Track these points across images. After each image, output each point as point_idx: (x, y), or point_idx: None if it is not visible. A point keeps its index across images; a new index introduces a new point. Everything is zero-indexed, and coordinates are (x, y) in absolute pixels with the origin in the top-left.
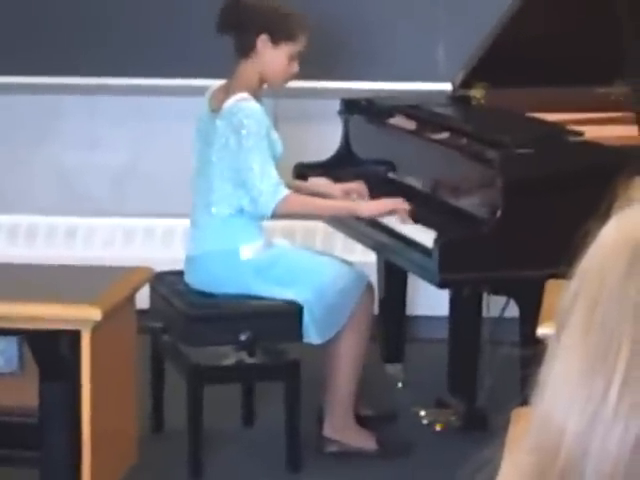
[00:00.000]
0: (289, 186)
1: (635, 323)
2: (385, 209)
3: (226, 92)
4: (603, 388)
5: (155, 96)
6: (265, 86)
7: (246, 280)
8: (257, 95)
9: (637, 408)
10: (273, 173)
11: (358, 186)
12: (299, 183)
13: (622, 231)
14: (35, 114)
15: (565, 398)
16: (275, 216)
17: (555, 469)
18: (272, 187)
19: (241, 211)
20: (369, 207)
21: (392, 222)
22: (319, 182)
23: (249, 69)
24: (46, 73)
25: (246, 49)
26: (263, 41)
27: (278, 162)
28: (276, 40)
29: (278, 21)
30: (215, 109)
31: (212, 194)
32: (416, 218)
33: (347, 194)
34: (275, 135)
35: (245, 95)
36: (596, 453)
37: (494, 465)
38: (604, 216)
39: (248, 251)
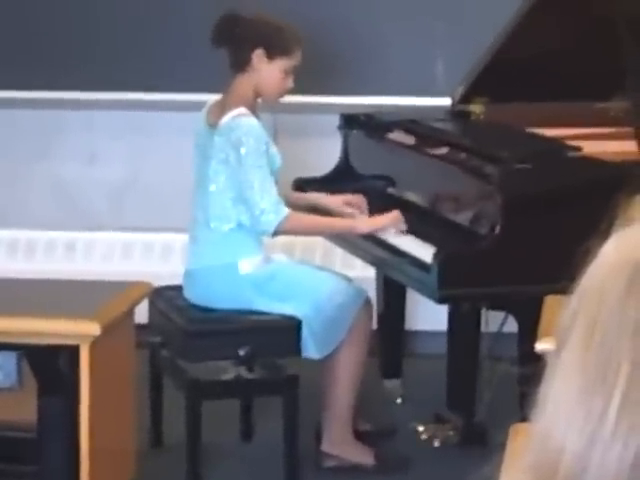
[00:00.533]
0: (287, 198)
1: (634, 342)
2: (383, 225)
3: (222, 107)
4: (602, 407)
5: (154, 111)
6: (259, 100)
7: (245, 295)
8: (254, 109)
9: (636, 428)
10: (274, 191)
11: (358, 199)
12: (297, 194)
13: (622, 250)
14: (34, 128)
15: (564, 417)
16: (276, 234)
17: None
18: (273, 206)
19: (240, 226)
20: (367, 224)
21: (389, 236)
22: (320, 196)
23: (244, 83)
24: (45, 88)
25: (241, 63)
26: (258, 56)
27: (277, 176)
28: (271, 55)
29: (273, 35)
30: (212, 124)
31: (211, 209)
32: (411, 230)
33: (347, 205)
34: (274, 149)
35: (242, 110)
36: (595, 472)
37: None
38: (604, 234)
39: (247, 266)
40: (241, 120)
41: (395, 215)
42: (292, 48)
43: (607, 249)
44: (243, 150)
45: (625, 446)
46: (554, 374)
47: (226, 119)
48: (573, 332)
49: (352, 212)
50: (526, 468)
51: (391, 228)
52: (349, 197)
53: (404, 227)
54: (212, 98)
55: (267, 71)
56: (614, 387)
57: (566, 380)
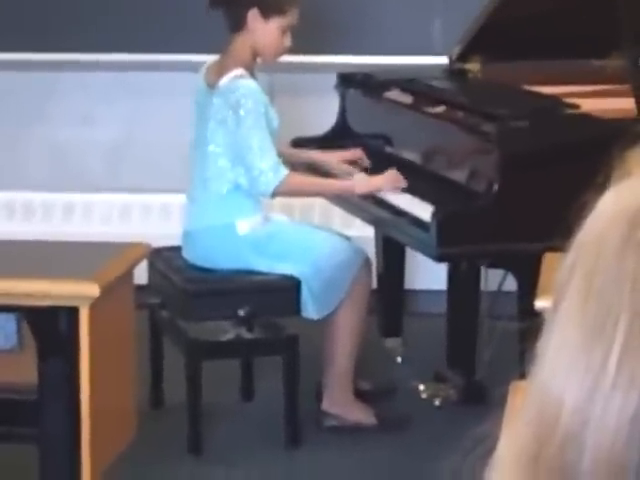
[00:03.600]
0: (284, 155)
1: (633, 293)
2: (381, 185)
3: (220, 67)
4: (601, 359)
5: (149, 72)
6: (258, 60)
7: (244, 255)
8: (252, 70)
9: (636, 379)
10: (272, 152)
11: (355, 153)
12: (294, 150)
13: (618, 202)
14: (29, 91)
15: (563, 370)
16: (275, 195)
17: (554, 441)
18: (272, 167)
19: (238, 187)
20: (366, 184)
21: (388, 195)
22: (315, 153)
23: (241, 44)
24: (39, 50)
25: (237, 24)
26: (253, 15)
27: (275, 136)
28: (266, 14)
29: None
30: (211, 84)
31: (208, 170)
32: (409, 189)
33: (345, 162)
34: (272, 110)
35: (241, 71)
36: (595, 425)
37: (493, 438)
38: (601, 188)
39: (245, 226)
40: (240, 82)
41: (393, 174)
42: (287, 7)
43: (604, 202)
44: (242, 112)
45: (625, 398)
46: (552, 328)
47: (224, 80)
48: (570, 285)
49: (350, 169)
50: (526, 423)
51: (389, 187)
52: (346, 154)
53: (403, 185)
54: (210, 58)
55: (263, 30)
56: (613, 339)
57: (564, 333)
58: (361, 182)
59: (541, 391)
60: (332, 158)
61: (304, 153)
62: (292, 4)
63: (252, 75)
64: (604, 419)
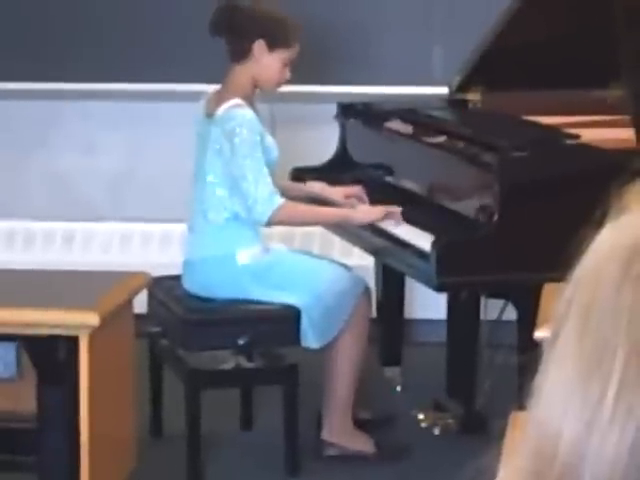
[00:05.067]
0: (284, 189)
1: (629, 329)
2: (379, 216)
3: (219, 97)
4: (599, 393)
5: (151, 101)
6: (257, 91)
7: (243, 285)
8: (251, 100)
9: (633, 412)
10: (267, 181)
11: (358, 190)
12: (296, 185)
13: (616, 237)
14: (31, 120)
15: (561, 403)
16: (270, 224)
17: (552, 473)
18: (267, 195)
19: (236, 216)
20: (363, 214)
21: (387, 225)
22: (317, 185)
23: (243, 74)
24: (42, 79)
25: (241, 54)
26: (260, 46)
27: (274, 167)
28: (273, 46)
29: (274, 27)
30: (209, 114)
31: (207, 200)
32: (410, 219)
33: (347, 198)
34: (270, 140)
35: (238, 101)
36: (593, 458)
37: (492, 471)
38: (599, 223)
39: (245, 256)
40: (236, 111)
41: (392, 209)
42: (292, 39)
43: (602, 236)
44: (237, 140)
45: (623, 431)
46: (550, 361)
47: (221, 110)
48: (568, 319)
49: (354, 202)
50: (525, 456)
51: (387, 219)
52: (349, 189)
53: (400, 219)
54: (211, 88)
55: (267, 62)
56: (610, 373)
57: (562, 367)
58: (359, 212)
59: (539, 424)
60: (336, 192)
61: (307, 187)
62: (297, 37)
63: (251, 105)
64: (602, 452)
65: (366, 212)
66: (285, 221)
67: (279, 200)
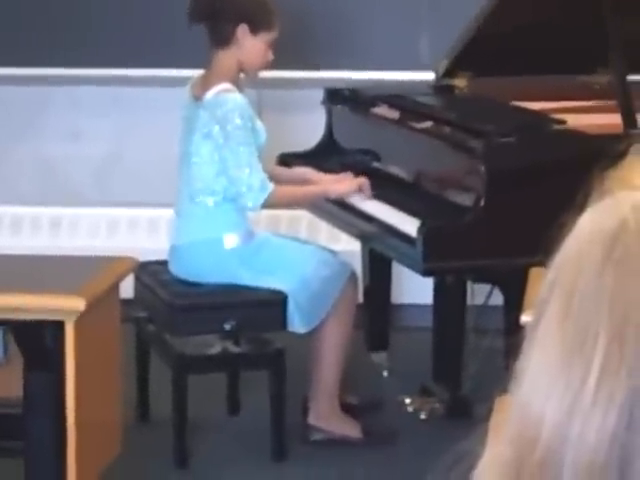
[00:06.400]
0: (274, 175)
1: (611, 313)
2: (352, 189)
3: (206, 82)
4: (581, 377)
5: (137, 87)
6: (242, 75)
7: (230, 269)
8: (238, 84)
9: (615, 396)
10: (260, 168)
11: (346, 177)
12: (285, 171)
13: (597, 221)
14: (18, 105)
15: (543, 387)
16: (261, 209)
17: (534, 459)
18: (260, 182)
19: (224, 199)
20: (337, 188)
21: (357, 201)
22: (306, 171)
23: (227, 59)
24: (28, 64)
25: (224, 39)
26: (243, 31)
27: (261, 151)
28: (255, 29)
29: (256, 10)
30: (197, 97)
31: (194, 184)
32: (395, 203)
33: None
34: (259, 124)
35: (227, 86)
36: (575, 442)
37: (474, 455)
38: (581, 207)
39: (232, 240)
40: (227, 96)
41: (361, 181)
42: (273, 22)
43: (583, 221)
44: (229, 127)
45: (605, 415)
46: (532, 345)
47: (211, 94)
48: (550, 303)
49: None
50: (507, 440)
51: (357, 193)
52: (338, 176)
53: (369, 193)
54: (197, 73)
55: (251, 46)
56: (592, 357)
57: (544, 351)
58: (334, 185)
59: (521, 408)
60: (326, 179)
61: (296, 173)
62: (277, 19)
63: (239, 89)
64: (584, 436)
65: (339, 186)
66: (273, 205)
67: (271, 186)
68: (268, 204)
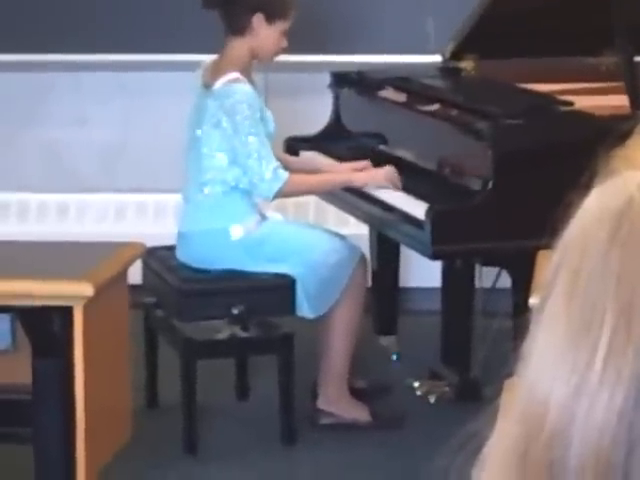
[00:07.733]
0: (287, 163)
1: (617, 292)
2: (379, 179)
3: (217, 69)
4: (587, 357)
5: (143, 72)
6: (255, 62)
7: (237, 259)
8: (248, 72)
9: (622, 375)
10: (271, 157)
11: (366, 165)
12: (299, 160)
13: (603, 201)
14: (24, 92)
15: (549, 368)
16: (277, 198)
17: (541, 438)
18: (272, 172)
19: (233, 189)
20: (364, 177)
21: (383, 194)
22: (314, 157)
23: (241, 46)
24: (33, 50)
25: (239, 28)
26: (259, 20)
27: (272, 141)
28: (271, 18)
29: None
30: (207, 85)
31: (205, 174)
32: (404, 187)
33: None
34: (268, 113)
35: (237, 75)
36: (582, 422)
37: (482, 436)
38: (586, 187)
39: (239, 231)
40: (236, 86)
41: (390, 171)
42: (289, 10)
43: (589, 201)
44: (238, 117)
45: (611, 395)
46: (538, 327)
47: (220, 83)
48: (556, 284)
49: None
50: (513, 421)
51: (386, 184)
52: (357, 164)
53: (399, 184)
54: (205, 58)
55: (266, 34)
56: (599, 337)
57: (550, 332)
58: (360, 174)
59: (528, 389)
60: (342, 168)
61: (305, 160)
62: (293, 7)
63: (249, 77)
64: (591, 416)
65: (366, 175)
66: (290, 193)
67: (285, 175)
68: (284, 193)
